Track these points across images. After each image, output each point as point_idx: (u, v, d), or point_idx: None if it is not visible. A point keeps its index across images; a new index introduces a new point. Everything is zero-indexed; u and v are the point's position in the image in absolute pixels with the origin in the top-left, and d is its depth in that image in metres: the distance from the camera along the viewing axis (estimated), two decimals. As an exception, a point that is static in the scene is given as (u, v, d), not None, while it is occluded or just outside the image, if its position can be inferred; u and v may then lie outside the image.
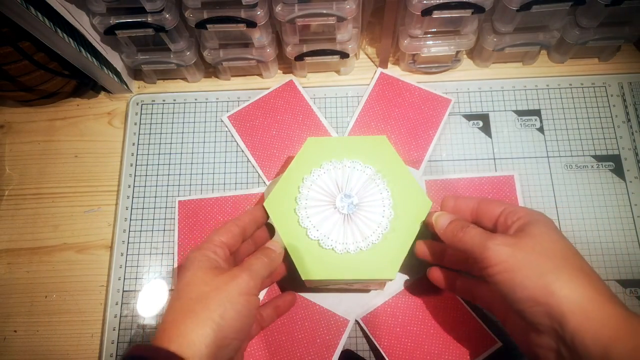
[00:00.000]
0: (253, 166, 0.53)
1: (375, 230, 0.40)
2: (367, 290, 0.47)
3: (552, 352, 0.30)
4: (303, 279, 0.39)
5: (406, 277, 0.47)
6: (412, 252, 0.40)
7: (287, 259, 0.40)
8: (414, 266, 0.46)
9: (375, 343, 0.44)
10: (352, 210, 0.41)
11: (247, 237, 0.41)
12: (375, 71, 0.56)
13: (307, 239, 0.40)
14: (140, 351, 0.31)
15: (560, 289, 0.29)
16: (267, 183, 0.52)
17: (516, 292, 0.30)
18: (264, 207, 0.41)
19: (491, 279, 0.32)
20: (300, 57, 0.52)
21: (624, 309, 0.29)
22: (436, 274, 0.42)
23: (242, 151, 0.53)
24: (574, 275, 0.30)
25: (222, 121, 0.55)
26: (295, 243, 0.40)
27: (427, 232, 0.40)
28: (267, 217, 0.42)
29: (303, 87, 0.56)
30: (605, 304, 0.29)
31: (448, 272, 0.42)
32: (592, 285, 0.30)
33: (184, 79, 0.58)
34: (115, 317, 0.48)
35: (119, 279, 0.49)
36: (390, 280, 0.40)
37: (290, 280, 0.45)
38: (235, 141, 0.54)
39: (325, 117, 0.54)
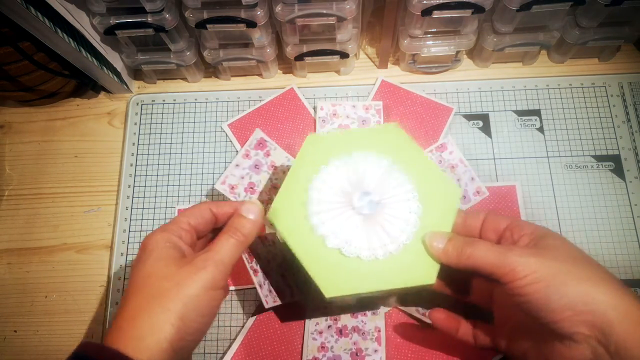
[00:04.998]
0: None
1: (404, 229, 0.34)
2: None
3: None
4: (326, 297, 0.33)
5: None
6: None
7: (288, 256, 0.37)
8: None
9: None
10: (373, 209, 0.35)
11: (220, 226, 0.36)
12: (377, 79, 0.55)
13: (325, 249, 0.34)
14: (93, 352, 0.28)
15: (602, 295, 0.28)
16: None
17: (551, 302, 0.29)
18: (248, 218, 0.34)
19: (519, 291, 0.30)
20: (300, 57, 0.52)
21: None
22: (439, 317, 0.38)
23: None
24: (608, 283, 0.29)
25: (222, 129, 0.54)
26: (313, 255, 0.34)
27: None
28: (263, 228, 0.37)
29: (304, 89, 0.56)
30: None
31: (451, 315, 0.38)
32: (627, 291, 0.29)
33: (184, 79, 0.58)
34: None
35: (119, 279, 0.49)
36: (431, 285, 0.34)
37: (297, 308, 0.42)
38: (235, 148, 0.53)
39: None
